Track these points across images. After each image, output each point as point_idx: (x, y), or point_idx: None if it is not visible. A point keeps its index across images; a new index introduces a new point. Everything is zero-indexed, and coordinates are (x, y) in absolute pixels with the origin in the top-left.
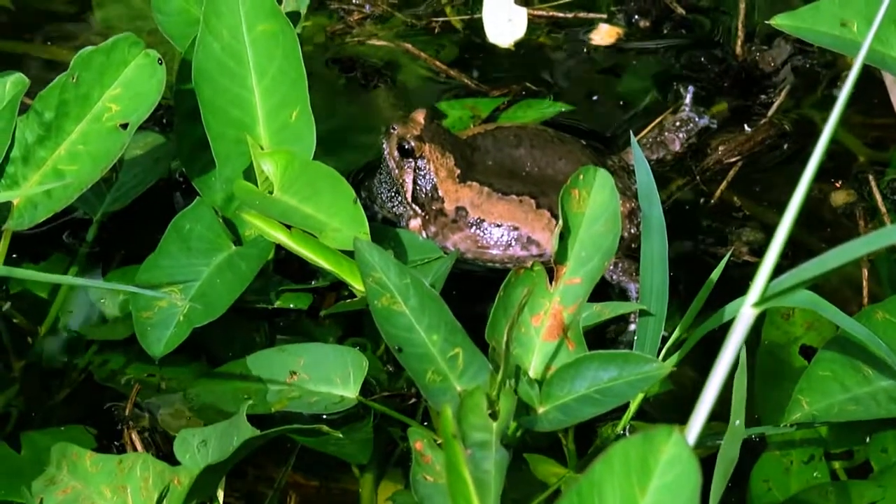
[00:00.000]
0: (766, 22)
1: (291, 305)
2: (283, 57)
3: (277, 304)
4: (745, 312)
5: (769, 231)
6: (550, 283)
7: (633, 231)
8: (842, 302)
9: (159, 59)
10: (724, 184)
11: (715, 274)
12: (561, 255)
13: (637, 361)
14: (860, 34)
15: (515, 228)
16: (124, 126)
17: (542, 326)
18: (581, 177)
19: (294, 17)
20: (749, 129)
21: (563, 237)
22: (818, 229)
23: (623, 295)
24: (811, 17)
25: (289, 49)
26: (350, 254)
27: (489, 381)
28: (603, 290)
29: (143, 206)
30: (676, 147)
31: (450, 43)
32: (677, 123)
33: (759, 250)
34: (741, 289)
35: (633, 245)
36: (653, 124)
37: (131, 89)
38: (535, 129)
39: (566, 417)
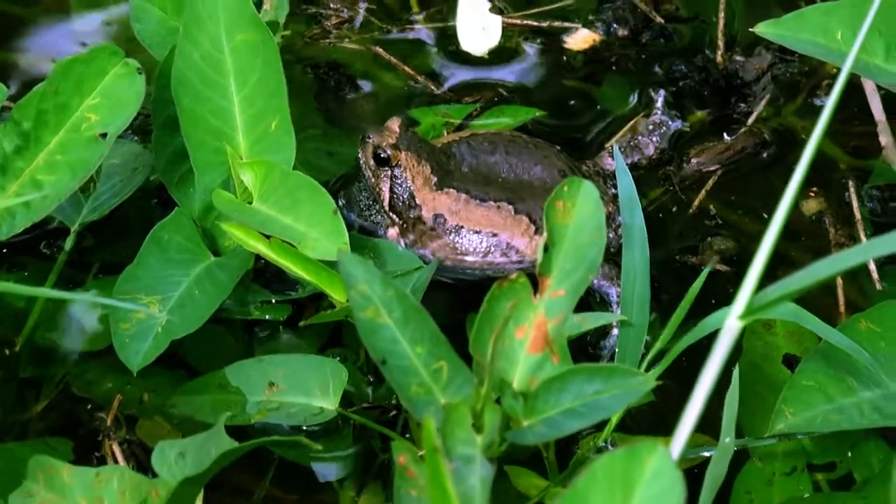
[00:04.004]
0: (750, 30)
1: (270, 316)
2: (263, 66)
3: (256, 314)
4: (730, 325)
5: (743, 240)
6: (535, 294)
7: (611, 236)
8: (820, 309)
9: (139, 69)
10: (702, 192)
11: (696, 286)
12: (545, 266)
13: (622, 375)
14: (845, 43)
15: (494, 235)
16: (103, 136)
17: (526, 339)
18: (565, 188)
19: (273, 26)
20: (729, 138)
21: (549, 249)
22: (791, 237)
23: (604, 300)
24: (795, 25)
25: (269, 59)
26: (330, 264)
27: (473, 394)
28: (583, 295)
29: (122, 217)
30: (650, 151)
31: (423, 50)
32: (650, 127)
33: (731, 259)
34: (714, 297)
35: (611, 249)
36: (625, 128)
37: (110, 99)
38: (509, 136)
39: (551, 431)
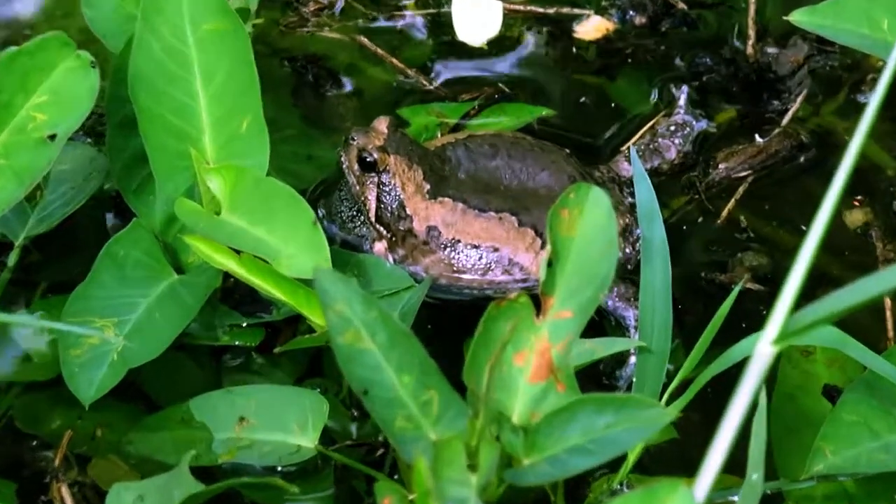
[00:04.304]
0: (783, 18)
1: (241, 342)
2: (232, 59)
3: (225, 340)
4: (761, 351)
5: (777, 255)
6: (537, 316)
7: (628, 251)
8: (866, 333)
9: (92, 62)
10: (731, 201)
11: (724, 307)
12: (549, 284)
13: (637, 406)
14: (891, 32)
15: (495, 249)
16: (52, 138)
17: (527, 366)
18: (572, 195)
19: (244, 13)
20: (761, 140)
21: (552, 264)
22: (834, 251)
23: (620, 324)
24: (834, 13)
25: (239, 50)
26: (308, 282)
27: (468, 429)
28: (596, 318)
29: (72, 229)
30: (671, 155)
31: (415, 41)
32: (671, 128)
33: (765, 277)
34: (745, 319)
35: (628, 266)
36: (644, 129)
37: (59, 96)
38: (512, 137)
39: (555, 470)
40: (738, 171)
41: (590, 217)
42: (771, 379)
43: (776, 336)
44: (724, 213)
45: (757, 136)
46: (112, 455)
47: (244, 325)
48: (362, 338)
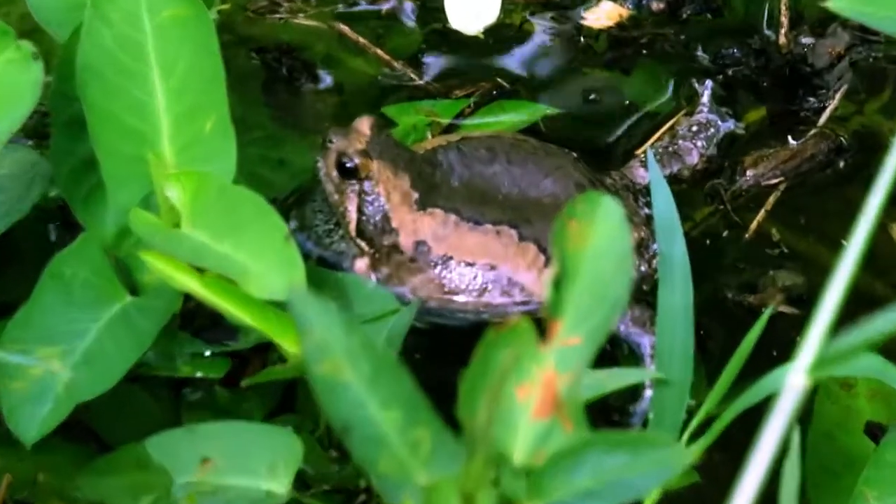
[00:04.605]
0: (820, 4)
1: (203, 374)
2: (194, 50)
3: (186, 371)
4: (794, 383)
5: (814, 274)
6: (542, 343)
7: (643, 269)
8: None
9: (34, 54)
10: (761, 212)
11: (753, 333)
12: (555, 307)
13: (654, 445)
14: None
15: (492, 268)
16: None
17: (530, 400)
18: (580, 205)
19: None
20: (795, 142)
21: (558, 284)
22: (877, 269)
23: (633, 351)
24: None
25: (202, 40)
26: (281, 305)
27: (462, 472)
28: (607, 346)
29: (11, 244)
30: (694, 159)
31: (402, 28)
32: (694, 128)
33: (800, 299)
34: (777, 347)
35: (643, 286)
36: (662, 129)
37: None
38: (512, 140)
39: None
40: (769, 177)
41: (601, 230)
42: (806, 414)
43: (811, 365)
44: (754, 225)
45: (790, 138)
46: (57, 502)
47: (207, 353)
48: (342, 368)
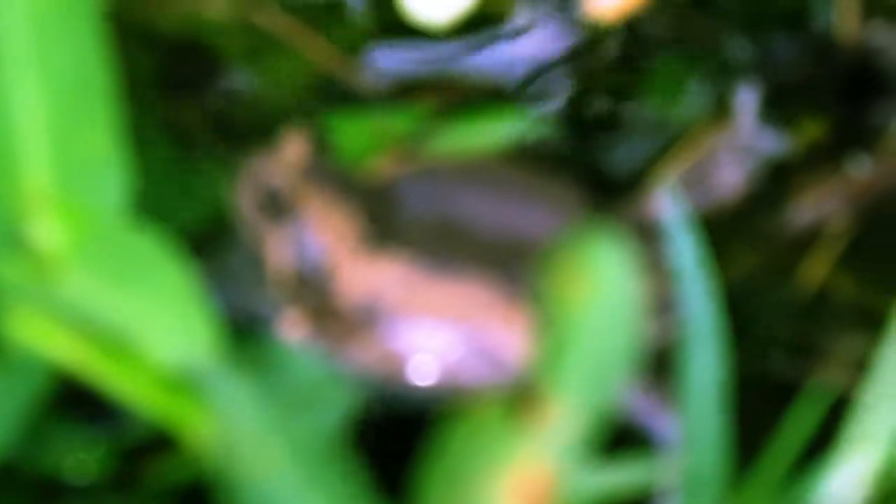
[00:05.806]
0: None
1: (84, 472)
2: (75, 46)
3: (62, 469)
4: (854, 482)
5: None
6: (523, 427)
7: (662, 330)
8: None
9: None
10: (820, 260)
11: (810, 418)
12: (543, 378)
13: None
14: None
15: (462, 329)
16: None
17: (511, 502)
18: (576, 248)
19: None
20: (864, 168)
21: (547, 348)
22: None
23: (646, 439)
24: None
25: (85, 33)
26: (186, 380)
27: None
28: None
29: None
30: (730, 189)
31: (344, 17)
32: (730, 150)
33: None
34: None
35: (662, 353)
36: (688, 150)
37: None
38: (490, 164)
39: None
40: (829, 214)
41: (602, 279)
42: None
43: (881, 461)
44: (811, 276)
45: (858, 163)
46: None
47: (90, 445)
48: (266, 464)
